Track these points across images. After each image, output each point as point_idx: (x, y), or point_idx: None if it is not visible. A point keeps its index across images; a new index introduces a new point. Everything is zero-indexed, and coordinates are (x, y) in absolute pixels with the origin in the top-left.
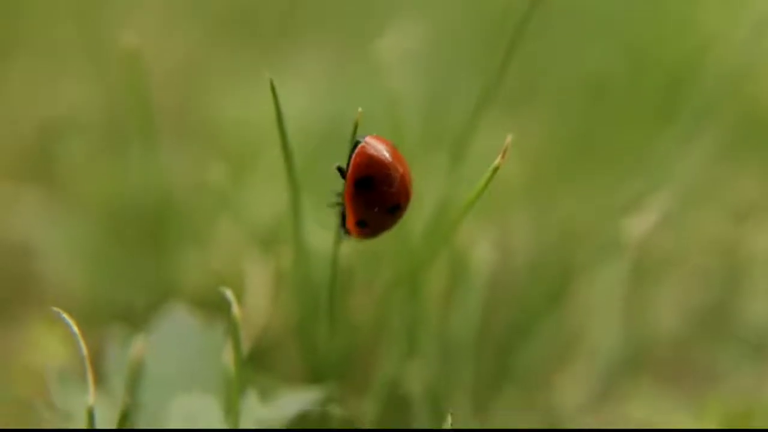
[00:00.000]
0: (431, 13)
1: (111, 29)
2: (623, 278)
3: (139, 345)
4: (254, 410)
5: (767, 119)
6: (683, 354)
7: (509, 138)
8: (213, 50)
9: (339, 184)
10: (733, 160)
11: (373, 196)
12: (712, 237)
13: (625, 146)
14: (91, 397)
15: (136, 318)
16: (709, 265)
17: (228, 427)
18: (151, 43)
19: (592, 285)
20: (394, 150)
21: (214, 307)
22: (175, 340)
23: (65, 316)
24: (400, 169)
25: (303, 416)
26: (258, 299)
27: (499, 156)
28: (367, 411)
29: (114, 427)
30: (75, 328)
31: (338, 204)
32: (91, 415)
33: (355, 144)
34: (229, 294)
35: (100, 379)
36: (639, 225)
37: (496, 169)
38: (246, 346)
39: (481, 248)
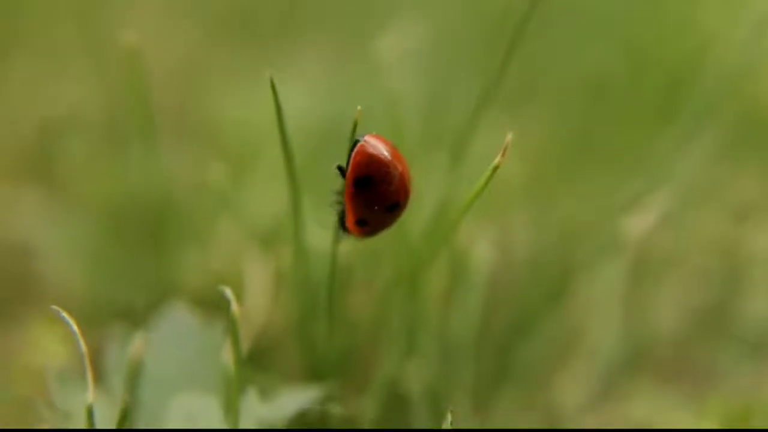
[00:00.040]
0: (431, 12)
1: (111, 29)
2: (623, 278)
3: (138, 344)
4: (254, 409)
5: (767, 119)
6: (683, 353)
7: (509, 136)
8: (213, 50)
9: (338, 183)
10: (733, 160)
11: (373, 195)
12: (712, 237)
13: (625, 146)
14: (90, 396)
15: (135, 317)
16: (709, 264)
17: (228, 426)
18: (151, 42)
19: (592, 284)
20: (393, 149)
21: (213, 306)
22: (174, 339)
23: (65, 315)
24: (400, 168)
25: (303, 415)
26: (257, 298)
27: (499, 155)
28: (366, 410)
29: (114, 426)
30: (75, 327)
31: (338, 203)
32: (90, 414)
33: (355, 143)
34: (228, 293)
35: (99, 378)
36: (639, 225)
37: (496, 168)
38: (245, 345)
39: (481, 247)
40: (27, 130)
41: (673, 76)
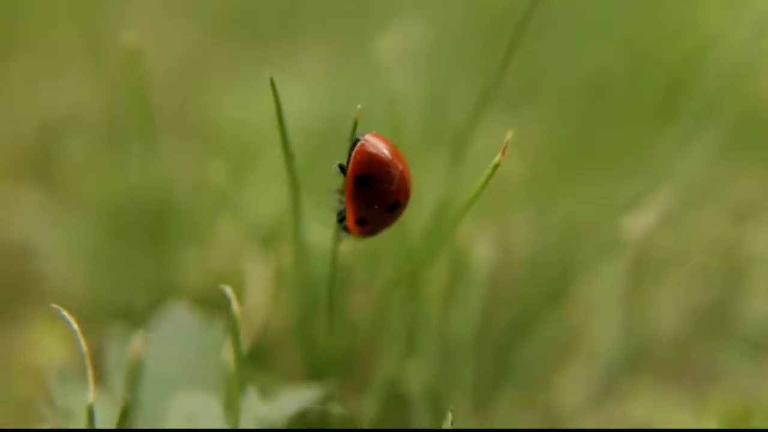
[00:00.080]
0: (431, 12)
1: (111, 29)
2: (623, 277)
3: (138, 343)
4: (254, 408)
5: (767, 119)
6: (683, 353)
7: (509, 136)
8: (213, 50)
9: (339, 182)
10: (733, 160)
11: (373, 194)
12: (712, 237)
13: (625, 146)
14: (91, 395)
15: (136, 317)
16: (709, 264)
17: (228, 425)
18: (151, 42)
19: (592, 284)
20: (393, 148)
21: (214, 305)
22: (175, 338)
23: (65, 314)
24: (400, 167)
25: (303, 414)
26: (258, 297)
27: (499, 154)
28: (366, 409)
29: (114, 425)
30: (75, 327)
31: (338, 202)
32: (91, 414)
33: (355, 142)
34: (228, 292)
35: (100, 378)
36: (639, 224)
37: (496, 167)
38: (246, 345)
39: (481, 247)
40: (27, 129)
41: (673, 76)
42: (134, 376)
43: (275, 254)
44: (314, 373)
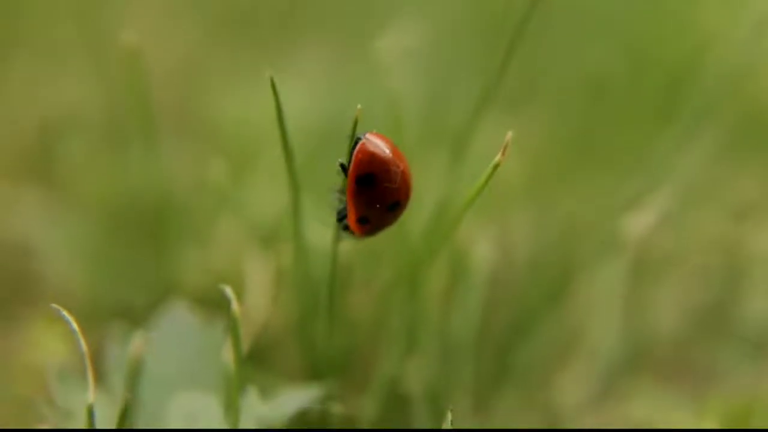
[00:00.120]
0: (431, 12)
1: (111, 29)
2: (623, 277)
3: (138, 343)
4: (254, 408)
5: (767, 119)
6: (683, 353)
7: (509, 135)
8: (213, 49)
9: (340, 181)
10: (733, 160)
11: (375, 193)
12: (712, 236)
13: (625, 145)
14: (91, 395)
15: (136, 316)
16: (709, 264)
17: (228, 425)
18: (151, 42)
19: (593, 284)
20: (393, 147)
21: (214, 305)
22: (175, 337)
23: (65, 313)
24: (401, 166)
25: (303, 414)
26: (258, 297)
27: (500, 153)
28: (366, 409)
29: (114, 425)
30: (75, 326)
31: (339, 201)
32: (91, 413)
33: (356, 141)
34: (228, 291)
35: (100, 377)
36: (639, 224)
37: (496, 166)
38: (246, 344)
39: (481, 247)
40: (27, 129)
41: (673, 76)
42: (134, 375)
43: (275, 254)
44: (314, 372)
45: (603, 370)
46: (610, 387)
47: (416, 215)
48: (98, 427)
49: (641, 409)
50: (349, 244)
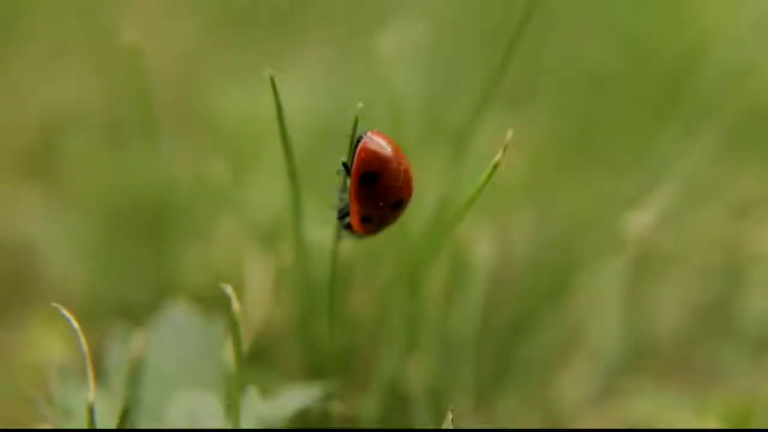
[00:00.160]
0: (431, 11)
1: (112, 27)
2: (624, 276)
3: (139, 342)
4: (255, 407)
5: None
6: (684, 352)
7: (510, 134)
8: (213, 48)
9: (341, 180)
10: (733, 158)
11: (378, 192)
12: (712, 235)
13: (625, 144)
14: (91, 394)
15: (136, 315)
16: (710, 263)
17: (228, 424)
18: (151, 41)
19: (593, 283)
20: (395, 145)
21: (214, 303)
22: (175, 337)
23: (66, 312)
24: (403, 164)
25: (303, 413)
26: (258, 296)
27: (500, 152)
28: (367, 408)
29: (114, 424)
30: (75, 325)
31: (339, 200)
32: (91, 412)
33: (357, 140)
34: (229, 290)
35: (100, 377)
36: (639, 222)
37: (496, 165)
38: (246, 343)
39: (482, 245)
40: (28, 128)
41: (674, 75)
42: (134, 374)
43: (276, 253)
44: (315, 371)
45: (603, 370)
46: (610, 386)
47: (416, 214)
48: (98, 426)
49: (642, 408)
50: (349, 243)
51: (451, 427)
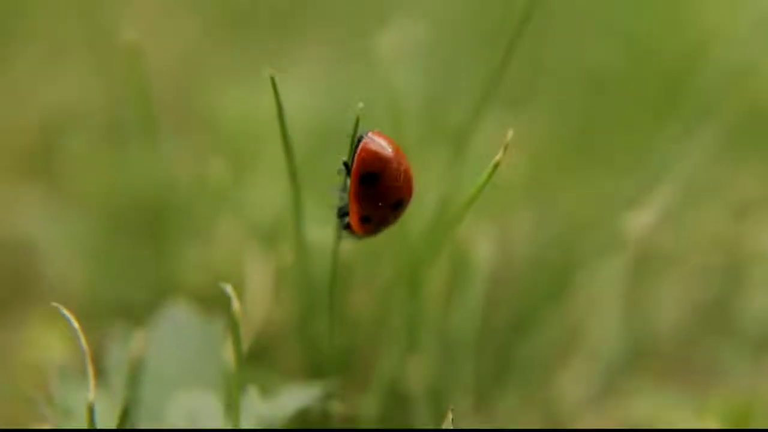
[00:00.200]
0: (431, 10)
1: (112, 27)
2: (624, 275)
3: (139, 341)
4: (254, 406)
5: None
6: (684, 351)
7: (510, 133)
8: (213, 48)
9: (341, 180)
10: (733, 158)
11: (378, 192)
12: (712, 234)
13: (625, 144)
14: (91, 393)
15: (136, 315)
16: (710, 262)
17: (228, 424)
18: (151, 40)
19: (593, 282)
20: (396, 145)
21: (214, 303)
22: (175, 336)
23: (66, 312)
24: (404, 164)
25: (303, 413)
26: (258, 296)
27: (500, 152)
28: (367, 408)
29: (114, 424)
30: (75, 324)
31: (339, 199)
32: (91, 412)
33: (358, 140)
34: (229, 290)
35: (100, 376)
36: (639, 222)
37: (497, 165)
38: (246, 343)
39: (482, 245)
40: (28, 127)
41: (674, 74)
42: (134, 374)
43: (276, 252)
44: (315, 371)
45: (603, 369)
46: (610, 386)
47: (417, 214)
48: (98, 426)
49: (642, 408)
50: (349, 243)
51: (451, 427)
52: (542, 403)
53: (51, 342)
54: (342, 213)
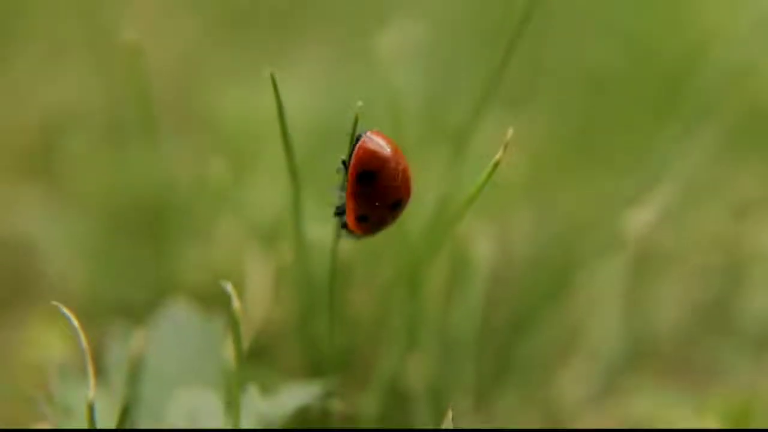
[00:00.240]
0: (431, 10)
1: (112, 27)
2: (624, 275)
3: (139, 340)
4: (255, 405)
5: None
6: (684, 350)
7: (510, 133)
8: (213, 48)
9: (340, 179)
10: (733, 158)
11: (376, 191)
12: (712, 234)
13: (625, 143)
14: (91, 392)
15: (136, 314)
16: (710, 261)
17: (229, 422)
18: (151, 40)
19: (593, 282)
20: (394, 145)
21: (214, 302)
22: (175, 335)
23: (66, 311)
24: (402, 164)
25: (303, 411)
26: (258, 294)
27: (500, 151)
28: (367, 407)
29: (114, 423)
30: (75, 323)
31: (338, 198)
32: (91, 411)
33: (356, 139)
34: (229, 289)
35: (100, 375)
36: (639, 222)
37: (496, 164)
38: (246, 342)
39: (482, 244)
40: (28, 127)
41: (674, 74)
42: (134, 373)
43: (276, 251)
44: (315, 370)
45: (603, 369)
46: (610, 385)
47: (416, 213)
48: (98, 425)
49: (642, 407)
50: (349, 243)
51: (451, 427)
52: (542, 402)
53: (51, 341)
54: (339, 211)
